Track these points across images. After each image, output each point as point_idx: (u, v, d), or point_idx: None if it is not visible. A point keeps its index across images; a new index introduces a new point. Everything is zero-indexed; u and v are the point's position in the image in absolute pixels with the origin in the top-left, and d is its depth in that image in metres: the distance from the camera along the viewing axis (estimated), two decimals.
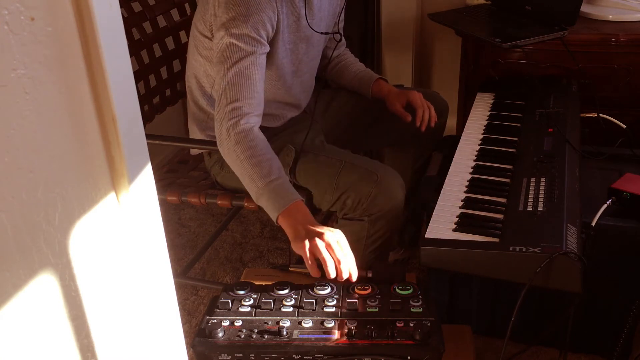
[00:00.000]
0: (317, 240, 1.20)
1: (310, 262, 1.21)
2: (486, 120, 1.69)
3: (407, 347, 1.04)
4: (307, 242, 1.21)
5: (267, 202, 1.31)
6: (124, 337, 0.76)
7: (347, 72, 1.75)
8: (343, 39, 1.72)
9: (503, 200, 1.32)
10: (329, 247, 1.20)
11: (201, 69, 1.52)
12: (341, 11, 1.61)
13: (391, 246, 1.68)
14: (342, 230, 1.48)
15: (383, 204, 1.40)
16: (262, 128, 1.61)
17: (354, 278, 1.20)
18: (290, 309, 1.13)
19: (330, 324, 1.09)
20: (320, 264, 1.20)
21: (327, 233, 1.22)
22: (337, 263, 1.19)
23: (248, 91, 1.35)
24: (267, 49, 1.40)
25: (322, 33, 1.53)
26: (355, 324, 1.08)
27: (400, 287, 1.18)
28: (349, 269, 1.19)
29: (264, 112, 1.60)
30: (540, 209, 1.24)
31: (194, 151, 1.74)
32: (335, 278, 1.19)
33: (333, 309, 1.12)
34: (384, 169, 1.44)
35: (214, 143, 1.53)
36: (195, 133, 1.62)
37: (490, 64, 2.01)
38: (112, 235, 0.72)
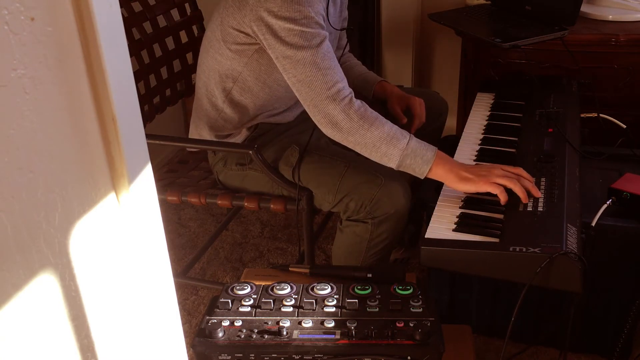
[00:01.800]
0: (491, 173, 1.29)
1: (502, 195, 1.27)
2: (486, 120, 1.69)
3: (407, 347, 1.04)
4: (483, 178, 1.28)
5: (413, 159, 1.34)
6: (124, 337, 0.76)
7: (352, 72, 1.75)
8: (347, 42, 1.73)
9: None
10: (505, 173, 1.28)
11: (227, 63, 1.50)
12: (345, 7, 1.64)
13: (393, 248, 1.68)
14: (345, 231, 1.49)
15: (387, 208, 1.40)
16: (271, 125, 1.62)
17: (538, 194, 1.28)
18: (290, 309, 1.13)
19: (330, 324, 1.09)
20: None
21: (493, 167, 1.31)
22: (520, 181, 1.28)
23: (340, 71, 1.39)
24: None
25: (339, 29, 1.59)
26: (355, 324, 1.08)
27: (400, 287, 1.17)
28: (532, 187, 1.28)
29: (277, 108, 1.60)
30: (540, 209, 1.24)
31: (192, 148, 1.74)
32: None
33: (333, 309, 1.12)
34: (389, 172, 1.44)
35: (214, 143, 1.53)
36: (200, 131, 1.62)
37: (490, 64, 2.01)
38: (112, 235, 0.72)
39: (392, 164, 1.36)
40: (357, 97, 1.76)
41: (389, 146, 1.34)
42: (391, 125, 1.37)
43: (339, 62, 1.69)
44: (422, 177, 1.35)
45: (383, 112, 1.72)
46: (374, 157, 1.37)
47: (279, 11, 1.33)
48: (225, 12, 1.45)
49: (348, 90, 1.38)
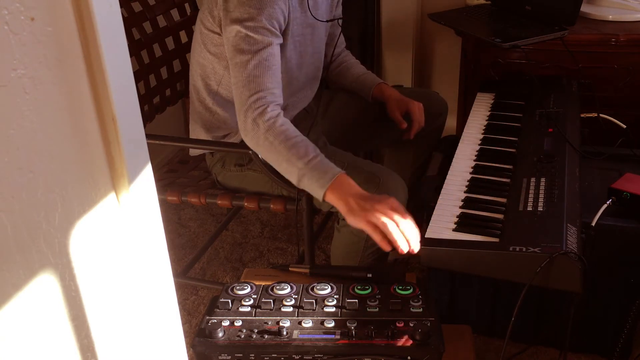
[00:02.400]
0: (374, 210, 1.20)
1: (375, 235, 1.20)
2: (486, 120, 1.69)
3: (407, 347, 1.04)
4: (364, 214, 1.21)
5: (309, 181, 1.29)
6: (124, 337, 0.76)
7: (349, 74, 1.75)
8: (342, 37, 1.72)
9: (503, 200, 1.32)
10: (386, 214, 1.20)
11: (209, 66, 1.51)
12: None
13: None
14: (343, 231, 1.49)
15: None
16: None
17: (414, 246, 1.19)
18: (290, 309, 1.13)
19: (330, 324, 1.09)
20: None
21: (381, 202, 1.22)
22: (397, 226, 1.19)
23: (270, 81, 1.36)
24: (281, 40, 1.40)
25: (326, 21, 1.54)
26: (355, 324, 1.08)
27: (400, 287, 1.17)
28: (412, 236, 1.20)
29: None
30: (540, 209, 1.24)
31: (193, 152, 1.74)
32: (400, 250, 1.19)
33: (333, 309, 1.12)
34: (386, 172, 1.44)
35: (215, 143, 1.53)
36: (197, 133, 1.62)
37: (490, 64, 2.01)
38: (112, 235, 0.72)
39: (293, 181, 1.33)
40: (356, 97, 1.78)
41: (288, 164, 1.31)
42: (300, 145, 1.31)
43: (331, 57, 1.69)
44: (321, 200, 1.30)
45: (381, 115, 1.73)
46: (279, 170, 1.35)
47: (232, 11, 1.35)
48: (202, 14, 1.47)
49: (268, 102, 1.34)
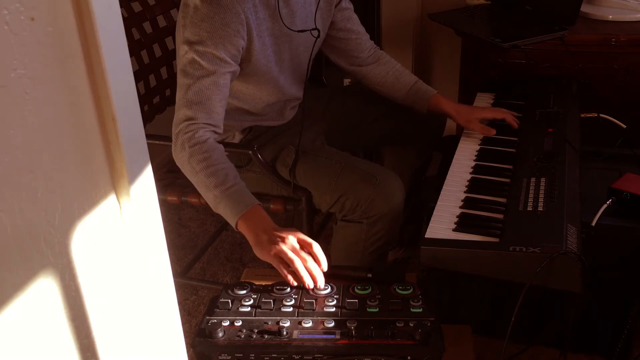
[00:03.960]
0: (281, 245, 1.19)
1: (280, 268, 1.19)
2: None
3: (407, 347, 1.04)
4: (271, 247, 1.20)
5: (224, 209, 1.30)
6: (124, 337, 0.76)
7: (400, 85, 1.69)
8: (368, 37, 1.69)
9: (503, 200, 1.32)
10: (294, 250, 1.19)
11: None
12: (316, 8, 1.53)
13: (390, 246, 1.68)
14: (340, 232, 1.49)
15: (382, 207, 1.40)
16: (265, 127, 1.61)
17: (320, 283, 1.17)
18: (290, 309, 1.13)
19: (330, 324, 1.09)
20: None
21: (290, 236, 1.21)
22: (304, 263, 1.17)
23: (206, 110, 1.35)
24: (232, 67, 1.37)
25: (298, 31, 1.47)
26: (355, 324, 1.07)
27: (400, 287, 1.17)
28: (317, 274, 1.17)
29: (265, 113, 1.60)
30: (540, 209, 1.24)
31: None
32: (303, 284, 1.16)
33: (333, 309, 1.12)
34: (383, 171, 1.44)
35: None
36: None
37: (490, 64, 2.01)
38: (112, 236, 0.72)
39: (211, 206, 1.34)
40: (355, 96, 1.77)
41: (206, 190, 1.32)
42: (219, 174, 1.31)
43: (383, 77, 1.66)
44: (235, 229, 1.30)
45: (381, 115, 1.72)
46: (200, 193, 1.35)
47: (185, 30, 1.34)
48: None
49: (198, 128, 1.34)
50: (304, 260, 1.18)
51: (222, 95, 1.37)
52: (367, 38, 1.70)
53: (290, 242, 1.20)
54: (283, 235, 1.21)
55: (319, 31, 1.50)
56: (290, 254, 1.18)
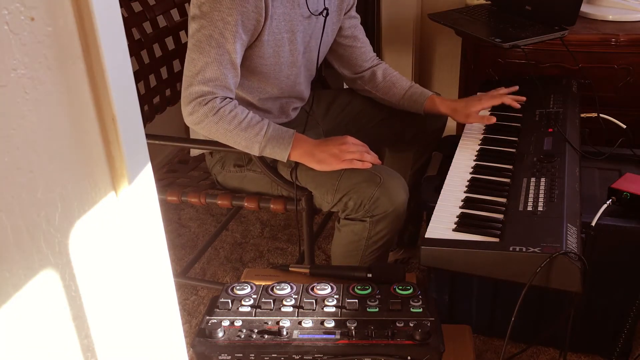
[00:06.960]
0: (343, 153, 1.39)
1: (354, 164, 1.39)
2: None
3: (407, 347, 1.04)
4: (336, 159, 1.39)
5: (273, 149, 1.41)
6: (124, 337, 0.76)
7: (395, 90, 1.72)
8: (370, 47, 1.72)
9: (503, 200, 1.32)
10: (353, 151, 1.40)
11: None
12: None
13: (391, 246, 1.68)
14: (343, 230, 1.49)
15: (386, 206, 1.40)
16: None
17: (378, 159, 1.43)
18: (290, 309, 1.13)
19: (330, 324, 1.09)
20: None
21: (343, 142, 1.41)
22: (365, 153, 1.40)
23: (222, 87, 1.38)
24: (246, 39, 1.39)
25: (310, 15, 1.48)
26: (355, 324, 1.08)
27: (400, 287, 1.17)
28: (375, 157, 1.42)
29: (268, 107, 1.59)
30: (540, 209, 1.24)
31: (194, 152, 1.74)
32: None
33: (333, 309, 1.12)
34: (387, 171, 1.44)
35: (215, 143, 1.53)
36: (197, 133, 1.62)
37: (490, 64, 2.01)
38: (112, 235, 0.72)
39: (255, 153, 1.42)
40: (357, 97, 1.77)
41: (248, 143, 1.40)
42: (249, 119, 1.40)
43: (378, 81, 1.71)
44: (285, 161, 1.43)
45: (382, 115, 1.72)
46: (239, 147, 1.43)
47: (203, 5, 1.34)
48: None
49: (215, 98, 1.37)
50: (364, 150, 1.42)
51: (236, 71, 1.41)
52: (370, 49, 1.74)
53: (347, 146, 1.41)
54: (336, 143, 1.41)
55: (327, 10, 1.51)
56: (355, 152, 1.40)
